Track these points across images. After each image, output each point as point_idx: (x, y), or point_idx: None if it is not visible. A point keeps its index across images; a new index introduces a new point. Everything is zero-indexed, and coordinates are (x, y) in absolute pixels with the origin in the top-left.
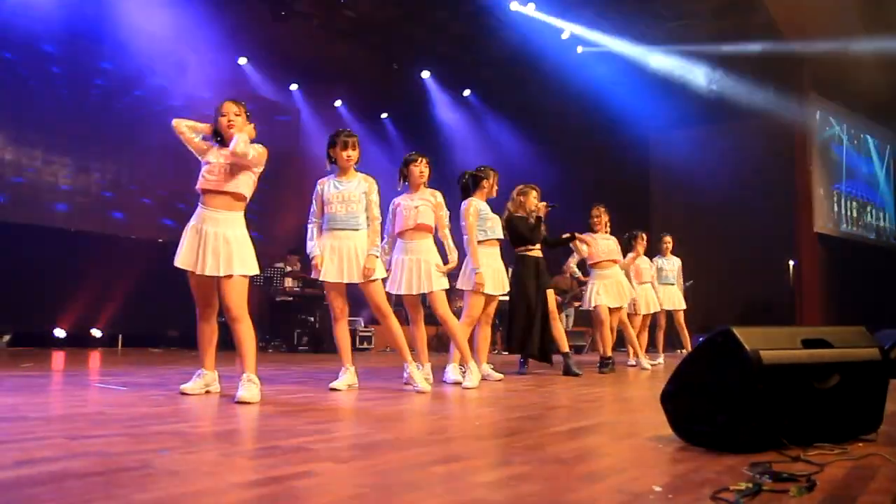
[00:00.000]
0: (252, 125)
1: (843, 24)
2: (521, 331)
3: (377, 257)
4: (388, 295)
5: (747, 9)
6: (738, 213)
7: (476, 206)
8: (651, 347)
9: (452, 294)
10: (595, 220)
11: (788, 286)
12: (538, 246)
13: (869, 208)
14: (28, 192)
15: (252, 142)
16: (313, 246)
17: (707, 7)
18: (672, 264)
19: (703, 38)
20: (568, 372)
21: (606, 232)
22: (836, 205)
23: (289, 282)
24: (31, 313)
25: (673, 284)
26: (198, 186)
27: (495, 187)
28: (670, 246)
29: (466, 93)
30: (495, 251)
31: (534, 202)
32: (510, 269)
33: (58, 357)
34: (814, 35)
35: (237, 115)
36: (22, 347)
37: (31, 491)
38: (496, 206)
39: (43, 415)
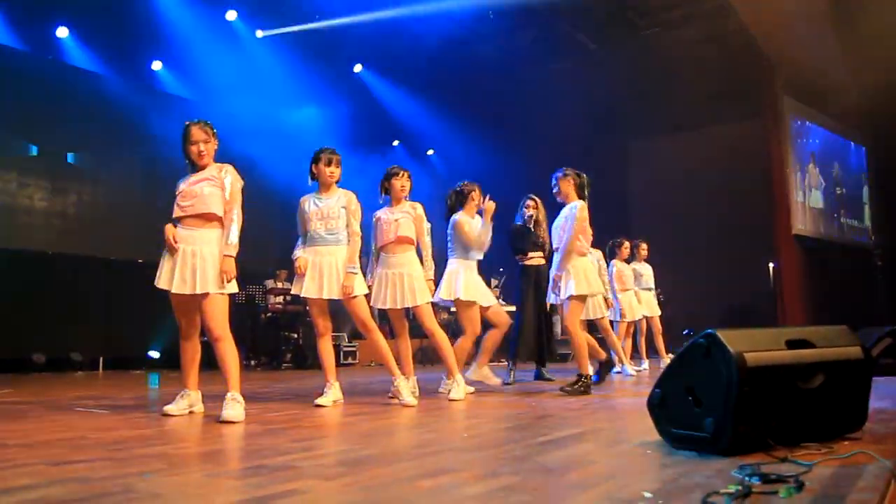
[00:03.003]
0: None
1: (815, 30)
2: (531, 340)
3: (355, 274)
4: (372, 309)
5: (719, 14)
6: (717, 217)
7: (468, 220)
8: (635, 353)
9: (436, 307)
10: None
11: (769, 288)
12: (538, 254)
13: (846, 209)
14: (3, 216)
15: (219, 159)
16: (299, 253)
17: (679, 14)
18: (649, 270)
19: (677, 44)
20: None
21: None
22: (813, 207)
23: (272, 298)
24: (9, 339)
25: (651, 290)
26: (173, 216)
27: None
28: (646, 252)
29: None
30: (474, 265)
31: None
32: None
33: (38, 382)
34: (786, 41)
35: (206, 142)
36: None
37: None
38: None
39: (23, 441)
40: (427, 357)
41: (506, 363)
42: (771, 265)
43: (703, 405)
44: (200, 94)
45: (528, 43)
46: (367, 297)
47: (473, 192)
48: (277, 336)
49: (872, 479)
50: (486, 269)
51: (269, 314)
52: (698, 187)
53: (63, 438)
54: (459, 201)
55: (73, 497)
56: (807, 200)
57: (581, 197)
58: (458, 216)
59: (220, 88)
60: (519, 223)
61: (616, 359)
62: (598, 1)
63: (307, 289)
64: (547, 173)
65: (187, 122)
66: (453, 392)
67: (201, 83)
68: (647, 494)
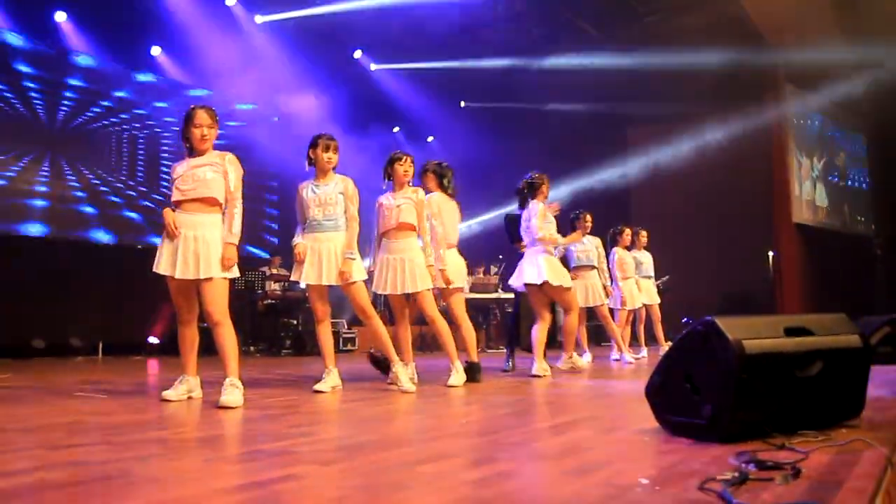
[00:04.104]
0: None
1: (817, 17)
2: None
3: (353, 260)
4: (375, 295)
5: (722, 1)
6: (718, 206)
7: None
8: (634, 341)
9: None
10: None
11: (768, 276)
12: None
13: (847, 198)
14: (2, 202)
15: (222, 147)
16: (298, 240)
17: (682, 1)
18: (649, 258)
19: (678, 31)
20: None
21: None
22: (814, 195)
23: (270, 285)
24: (8, 324)
25: (651, 278)
26: (172, 200)
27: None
28: (646, 240)
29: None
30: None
31: None
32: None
33: (37, 367)
34: (789, 28)
35: (210, 127)
36: None
37: None
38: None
39: (21, 425)
40: (426, 344)
41: (504, 350)
42: (770, 253)
43: (701, 392)
44: (199, 79)
45: (529, 30)
46: (367, 282)
47: (543, 186)
48: (276, 322)
49: (869, 467)
50: (486, 257)
51: (267, 301)
52: (699, 176)
53: (62, 423)
54: (531, 191)
55: (72, 481)
56: (808, 189)
57: (444, 188)
58: (535, 202)
59: (220, 74)
60: (518, 211)
61: (615, 346)
62: None
63: (306, 275)
64: (548, 161)
65: (193, 106)
66: (452, 379)
67: (200, 69)
68: (644, 481)
